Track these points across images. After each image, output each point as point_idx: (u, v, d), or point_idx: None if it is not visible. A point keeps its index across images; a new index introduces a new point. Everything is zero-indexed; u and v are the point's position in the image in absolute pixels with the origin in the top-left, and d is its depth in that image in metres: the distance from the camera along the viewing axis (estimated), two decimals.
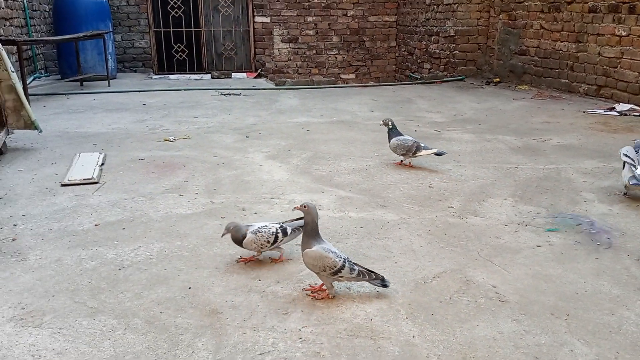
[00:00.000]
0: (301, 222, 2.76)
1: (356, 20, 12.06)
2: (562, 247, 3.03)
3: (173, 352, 2.11)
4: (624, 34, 7.03)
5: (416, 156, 4.39)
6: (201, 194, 3.84)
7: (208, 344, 2.15)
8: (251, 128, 5.97)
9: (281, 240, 2.80)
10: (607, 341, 2.20)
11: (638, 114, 6.51)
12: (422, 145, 4.36)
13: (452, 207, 3.61)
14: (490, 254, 2.94)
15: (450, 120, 6.39)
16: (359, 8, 11.98)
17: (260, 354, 2.10)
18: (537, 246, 3.03)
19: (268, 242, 2.76)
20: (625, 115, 6.51)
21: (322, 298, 2.50)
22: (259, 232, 2.76)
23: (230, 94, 8.31)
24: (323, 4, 11.74)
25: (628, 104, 6.92)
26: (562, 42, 8.10)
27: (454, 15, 9.83)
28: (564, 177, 4.22)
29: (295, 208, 2.52)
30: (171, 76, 10.66)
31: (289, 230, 2.82)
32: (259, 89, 8.92)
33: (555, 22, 8.20)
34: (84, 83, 9.19)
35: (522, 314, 2.38)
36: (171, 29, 11.26)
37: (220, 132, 5.74)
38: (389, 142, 4.48)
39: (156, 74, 10.95)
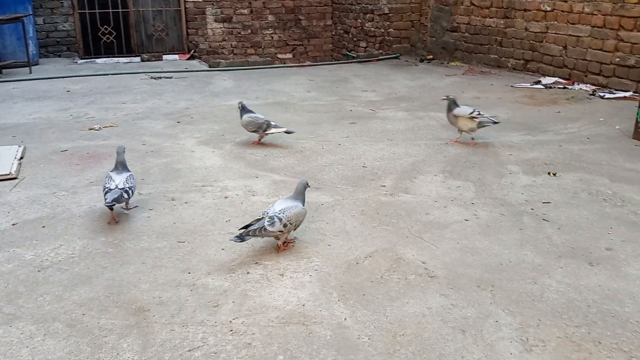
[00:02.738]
0: None
1: None
2: (488, 219, 3.12)
3: (96, 355, 2.03)
4: (548, 9, 7.27)
5: (267, 134, 4.55)
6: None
7: (134, 344, 2.08)
8: (183, 113, 5.78)
9: None
10: (530, 309, 2.29)
11: (562, 86, 6.78)
12: (273, 123, 4.54)
13: (384, 186, 3.65)
14: (420, 231, 2.99)
15: (384, 99, 6.43)
16: None
17: (189, 350, 2.05)
18: (465, 220, 3.12)
19: None
20: (550, 88, 6.78)
21: (285, 248, 2.79)
22: None
23: (161, 77, 8.01)
24: None
25: (553, 77, 7.19)
26: (491, 18, 8.29)
27: None
28: (491, 151, 4.35)
29: None
30: (98, 60, 10.14)
31: None
32: (191, 71, 8.65)
33: None
34: (3, 70, 8.60)
35: (450, 288, 2.45)
36: (97, 10, 10.67)
37: (149, 118, 5.53)
38: (241, 119, 4.60)
39: (82, 59, 10.38)
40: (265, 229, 2.65)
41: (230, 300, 2.36)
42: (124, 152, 3.29)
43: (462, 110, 4.45)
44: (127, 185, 3.12)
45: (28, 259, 2.73)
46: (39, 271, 2.61)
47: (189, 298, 2.38)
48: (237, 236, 2.67)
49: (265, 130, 4.51)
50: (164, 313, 2.27)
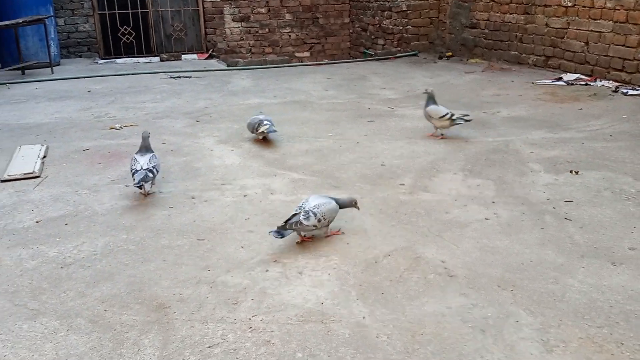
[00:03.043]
0: None
1: None
2: (509, 218, 3.08)
3: (118, 351, 2.05)
4: (569, 4, 7.15)
5: (258, 133, 4.53)
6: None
7: (155, 340, 2.10)
8: (202, 112, 5.83)
9: None
10: (551, 310, 2.26)
11: (584, 83, 6.67)
12: (265, 122, 4.50)
13: (403, 185, 3.63)
14: (440, 230, 2.97)
15: (403, 97, 6.40)
16: None
17: (209, 347, 2.06)
18: (485, 219, 3.08)
19: None
20: (572, 84, 6.67)
21: (302, 241, 2.85)
22: None
23: (180, 77, 8.08)
24: None
25: (575, 73, 7.08)
26: (510, 14, 8.19)
27: None
28: (512, 148, 4.29)
29: None
30: (118, 60, 10.27)
31: None
32: (210, 71, 8.71)
33: None
34: (25, 71, 8.75)
35: (470, 287, 2.42)
36: (116, 11, 10.81)
37: (169, 118, 5.58)
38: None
39: (102, 59, 10.53)
40: (301, 223, 2.72)
41: (250, 298, 2.37)
42: (148, 136, 3.62)
43: (436, 110, 4.53)
44: (150, 165, 3.42)
45: (51, 255, 2.78)
46: (62, 268, 2.66)
47: (208, 295, 2.39)
48: (276, 231, 2.73)
49: (257, 130, 4.51)
50: (184, 310, 2.29)
